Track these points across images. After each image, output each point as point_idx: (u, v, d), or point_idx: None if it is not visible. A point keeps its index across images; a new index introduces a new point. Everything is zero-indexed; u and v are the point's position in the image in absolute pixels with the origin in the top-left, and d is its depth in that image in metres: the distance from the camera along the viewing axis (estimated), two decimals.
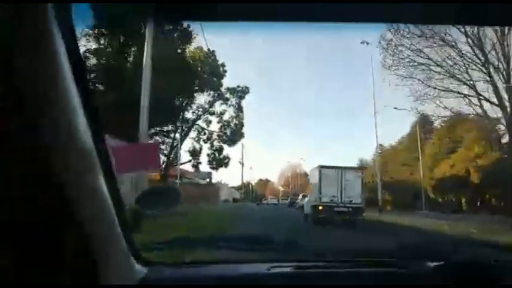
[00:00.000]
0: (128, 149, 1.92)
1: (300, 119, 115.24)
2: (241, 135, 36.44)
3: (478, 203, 38.68)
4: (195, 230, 8.32)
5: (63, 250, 0.68)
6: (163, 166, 31.76)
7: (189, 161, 35.98)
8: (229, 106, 34.29)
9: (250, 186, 73.82)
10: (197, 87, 29.93)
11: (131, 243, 0.95)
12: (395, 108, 22.92)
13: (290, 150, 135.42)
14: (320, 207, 14.11)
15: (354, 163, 54.78)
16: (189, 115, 34.78)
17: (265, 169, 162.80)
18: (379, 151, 72.31)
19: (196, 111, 34.41)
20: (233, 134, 35.29)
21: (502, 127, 30.84)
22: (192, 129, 35.17)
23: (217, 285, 1.05)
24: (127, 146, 2.19)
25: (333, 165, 15.95)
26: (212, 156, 35.88)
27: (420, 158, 41.72)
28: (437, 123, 49.25)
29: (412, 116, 48.08)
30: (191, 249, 1.68)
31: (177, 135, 32.78)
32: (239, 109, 34.39)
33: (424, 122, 55.81)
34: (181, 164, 33.99)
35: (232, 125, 34.74)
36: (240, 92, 33.58)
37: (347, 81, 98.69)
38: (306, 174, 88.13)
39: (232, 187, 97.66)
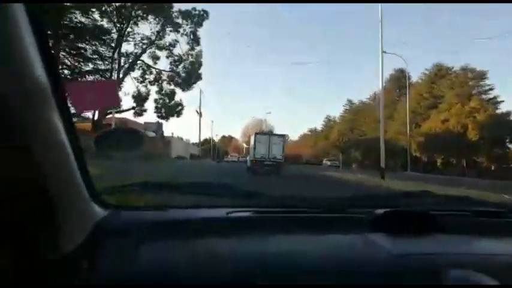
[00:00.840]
0: (84, 88, 1.47)
1: (270, 67, 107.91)
2: (198, 77, 28.86)
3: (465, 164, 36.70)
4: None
5: (20, 190, 0.70)
6: (96, 113, 25.45)
7: (132, 108, 28.81)
8: (182, 35, 26.04)
9: (212, 142, 68.52)
10: (139, 12, 23.27)
11: (90, 186, 0.95)
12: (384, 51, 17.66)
13: (257, 101, 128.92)
14: (254, 162, 20.04)
15: (321, 118, 51.96)
16: (129, 48, 27.35)
17: (229, 124, 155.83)
18: (347, 107, 70.18)
19: (140, 44, 26.85)
20: (188, 74, 27.46)
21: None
22: (135, 66, 27.77)
23: (176, 228, 1.07)
24: (84, 85, 1.31)
25: (265, 132, 24.56)
26: (161, 102, 28.51)
27: (407, 114, 38.17)
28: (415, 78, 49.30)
29: (386, 69, 43.46)
30: (150, 193, 1.55)
31: (114, 74, 25.73)
32: (195, 40, 26.34)
33: (398, 76, 53.87)
34: (121, 111, 27.71)
35: (186, 62, 27.00)
36: (197, 17, 25.04)
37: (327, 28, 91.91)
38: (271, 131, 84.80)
39: (193, 143, 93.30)
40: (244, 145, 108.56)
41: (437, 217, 1.15)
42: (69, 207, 0.82)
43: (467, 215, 1.27)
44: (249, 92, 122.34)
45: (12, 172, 0.67)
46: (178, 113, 29.83)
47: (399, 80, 49.63)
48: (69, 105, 0.83)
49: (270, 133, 25.03)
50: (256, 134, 22.47)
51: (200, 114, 50.13)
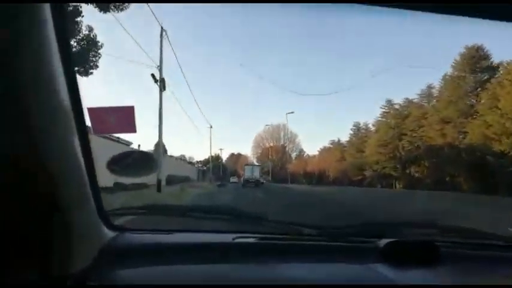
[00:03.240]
0: (103, 111, 1.78)
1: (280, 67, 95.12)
2: None
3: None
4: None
5: (33, 205, 0.73)
6: None
7: None
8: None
9: (211, 160, 55.82)
10: None
11: (100, 207, 0.97)
12: None
13: (265, 111, 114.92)
14: (245, 180, 35.96)
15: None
16: None
17: (238, 141, 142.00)
18: (386, 109, 55.45)
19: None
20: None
21: None
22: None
23: (182, 252, 1.07)
24: (103, 108, 1.93)
25: (249, 164, 47.82)
26: None
27: None
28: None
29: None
30: (157, 216, 1.43)
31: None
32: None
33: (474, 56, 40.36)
34: None
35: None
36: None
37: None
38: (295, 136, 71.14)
39: (197, 162, 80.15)
40: (255, 162, 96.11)
41: (442, 248, 1.13)
42: (79, 228, 0.84)
43: (472, 247, 1.27)
44: (254, 102, 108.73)
45: (28, 189, 0.70)
46: None
47: (477, 61, 34.26)
48: (88, 128, 0.86)
49: (253, 164, 47.08)
50: (245, 165, 43.49)
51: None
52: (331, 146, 75.46)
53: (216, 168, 71.69)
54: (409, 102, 48.65)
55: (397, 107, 51.52)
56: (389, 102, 55.61)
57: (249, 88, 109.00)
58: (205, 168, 63.90)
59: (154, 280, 0.89)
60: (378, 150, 49.90)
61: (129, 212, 1.40)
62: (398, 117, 48.71)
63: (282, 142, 79.97)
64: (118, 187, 12.59)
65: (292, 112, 66.05)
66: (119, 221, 1.19)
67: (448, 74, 37.58)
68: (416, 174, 42.78)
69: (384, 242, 1.12)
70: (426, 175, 40.83)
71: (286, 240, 1.23)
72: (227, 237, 1.17)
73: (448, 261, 1.10)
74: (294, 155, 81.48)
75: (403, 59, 62.57)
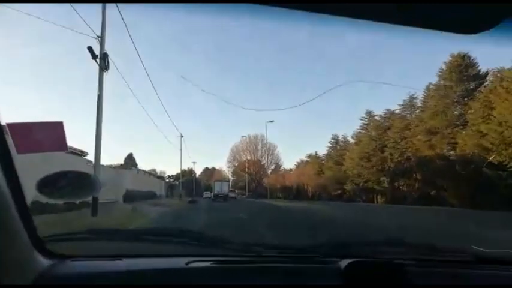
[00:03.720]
0: (29, 128, 1.58)
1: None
2: None
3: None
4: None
5: None
6: None
7: None
8: None
9: (193, 174, 53.22)
10: None
11: (32, 233, 0.90)
12: None
13: (241, 123, 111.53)
14: (215, 195, 42.74)
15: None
16: None
17: (211, 153, 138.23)
18: (366, 121, 53.76)
19: None
20: None
21: None
22: None
23: (131, 280, 0.98)
24: (28, 124, 1.73)
25: (219, 179, 52.75)
26: None
27: None
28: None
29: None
30: (101, 242, 1.39)
31: None
32: None
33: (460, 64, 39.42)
34: None
35: None
36: None
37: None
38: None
39: (170, 176, 75.71)
40: (230, 176, 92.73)
41: (406, 267, 1.11)
42: (8, 257, 0.77)
43: (433, 264, 1.26)
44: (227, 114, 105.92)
45: None
46: None
47: (465, 69, 32.82)
48: (10, 147, 0.80)
49: (222, 180, 51.60)
50: (215, 181, 50.27)
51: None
52: (308, 159, 73.26)
53: (188, 183, 67.79)
54: (390, 113, 47.04)
55: (377, 118, 49.91)
56: (369, 114, 54.04)
57: (224, 97, 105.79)
58: (176, 182, 59.89)
59: None
60: (359, 163, 47.67)
61: (69, 238, 1.22)
62: (379, 129, 46.93)
63: (259, 153, 75.81)
64: (41, 207, 8.91)
65: (272, 121, 60.36)
66: (56, 248, 1.07)
67: (433, 83, 36.07)
68: (402, 188, 40.72)
69: (345, 262, 1.07)
70: (413, 189, 38.83)
71: (243, 263, 1.17)
72: (180, 262, 1.10)
73: (413, 281, 1.06)
74: (272, 167, 77.63)
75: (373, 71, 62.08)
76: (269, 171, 74.66)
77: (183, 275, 1.03)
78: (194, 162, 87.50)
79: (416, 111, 41.44)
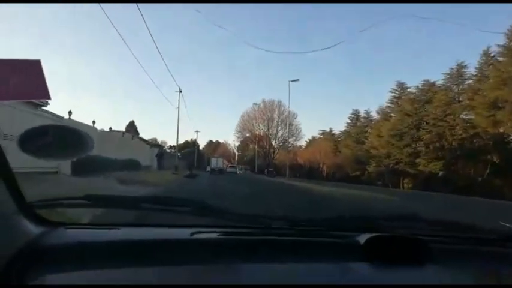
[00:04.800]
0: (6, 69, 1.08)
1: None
2: None
3: None
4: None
5: None
6: None
7: None
8: None
9: (196, 145, 48.42)
10: None
11: (20, 197, 0.87)
12: None
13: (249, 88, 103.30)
14: (212, 169, 46.44)
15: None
16: None
17: (218, 127, 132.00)
18: (396, 94, 46.61)
19: None
20: None
21: None
22: None
23: (130, 250, 0.92)
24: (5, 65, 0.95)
25: (214, 156, 60.50)
26: None
27: None
28: None
29: None
30: (97, 209, 1.28)
31: None
32: None
33: None
34: None
35: None
36: None
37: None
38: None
39: (170, 146, 69.99)
40: (235, 151, 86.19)
41: (425, 243, 1.05)
42: None
43: (458, 241, 1.21)
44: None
45: None
46: None
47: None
48: None
49: (217, 156, 57.82)
50: (211, 157, 57.30)
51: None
52: (321, 136, 66.51)
53: (189, 154, 61.90)
54: (430, 85, 39.80)
55: (412, 90, 42.73)
56: (401, 86, 46.83)
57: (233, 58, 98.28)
58: (172, 150, 54.32)
59: (96, 283, 0.76)
60: (389, 141, 40.84)
61: (62, 204, 1.13)
62: (415, 103, 39.87)
63: (275, 123, 65.33)
64: None
65: (297, 80, 46.35)
66: (48, 215, 1.01)
67: (500, 44, 28.49)
68: (448, 172, 33.65)
69: (364, 237, 1.02)
70: (463, 174, 32.03)
71: (252, 235, 1.11)
72: (184, 233, 1.05)
73: (437, 258, 1.01)
74: (292, 140, 65.00)
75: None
76: (290, 145, 64.27)
77: (188, 246, 0.98)
78: (197, 131, 79.96)
79: (468, 82, 34.25)
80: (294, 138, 64.92)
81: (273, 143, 65.46)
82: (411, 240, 1.06)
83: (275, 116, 64.94)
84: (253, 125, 66.30)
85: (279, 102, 63.38)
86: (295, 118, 62.74)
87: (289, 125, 60.11)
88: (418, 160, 37.31)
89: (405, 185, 40.92)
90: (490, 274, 1.04)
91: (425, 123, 37.27)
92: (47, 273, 0.77)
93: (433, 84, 39.28)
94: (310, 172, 56.80)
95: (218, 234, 1.05)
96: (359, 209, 9.13)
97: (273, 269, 0.94)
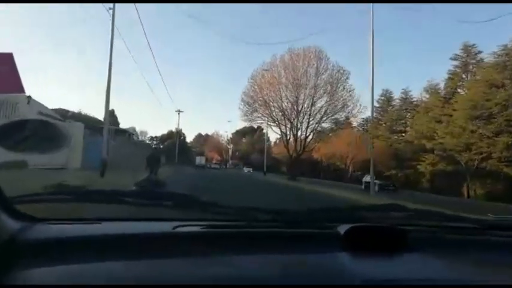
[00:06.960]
0: None
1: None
2: None
3: None
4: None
5: None
6: None
7: None
8: None
9: (180, 138, 34.60)
10: None
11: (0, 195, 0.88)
12: None
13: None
14: (196, 165, 55.55)
15: None
16: None
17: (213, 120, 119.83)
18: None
19: None
20: None
21: None
22: None
23: (111, 245, 0.91)
24: None
25: (198, 153, 75.20)
26: None
27: None
28: None
29: None
30: (77, 204, 1.30)
31: None
32: None
33: None
34: None
35: None
36: None
37: None
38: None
39: (151, 137, 65.42)
40: (228, 146, 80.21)
41: (406, 233, 1.07)
42: None
43: (439, 231, 1.22)
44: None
45: None
46: None
47: None
48: None
49: (200, 155, 67.69)
50: (196, 155, 65.76)
51: None
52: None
53: (169, 147, 48.36)
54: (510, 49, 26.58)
55: (486, 55, 29.56)
56: (467, 50, 33.63)
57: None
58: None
59: (77, 279, 0.75)
60: (465, 126, 27.41)
61: (42, 199, 1.12)
62: (505, 69, 26.63)
63: (308, 89, 37.13)
64: None
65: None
66: (27, 210, 1.01)
67: None
68: None
69: (344, 227, 1.03)
70: None
71: (235, 228, 1.12)
72: (166, 226, 1.05)
73: (415, 247, 1.03)
74: (342, 119, 41.39)
75: None
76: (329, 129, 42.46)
77: (170, 240, 0.98)
78: (179, 111, 58.70)
79: None
80: (348, 112, 38.74)
81: (303, 123, 38.79)
82: (389, 229, 1.06)
83: (310, 72, 36.14)
84: (263, 93, 39.57)
85: (319, 51, 36.86)
86: (347, 79, 37.66)
87: (337, 89, 35.41)
88: None
89: (473, 192, 27.90)
90: (468, 261, 1.04)
91: None
92: (27, 269, 0.76)
93: None
94: (331, 172, 43.49)
95: (201, 227, 1.05)
96: None
97: (255, 260, 0.93)
